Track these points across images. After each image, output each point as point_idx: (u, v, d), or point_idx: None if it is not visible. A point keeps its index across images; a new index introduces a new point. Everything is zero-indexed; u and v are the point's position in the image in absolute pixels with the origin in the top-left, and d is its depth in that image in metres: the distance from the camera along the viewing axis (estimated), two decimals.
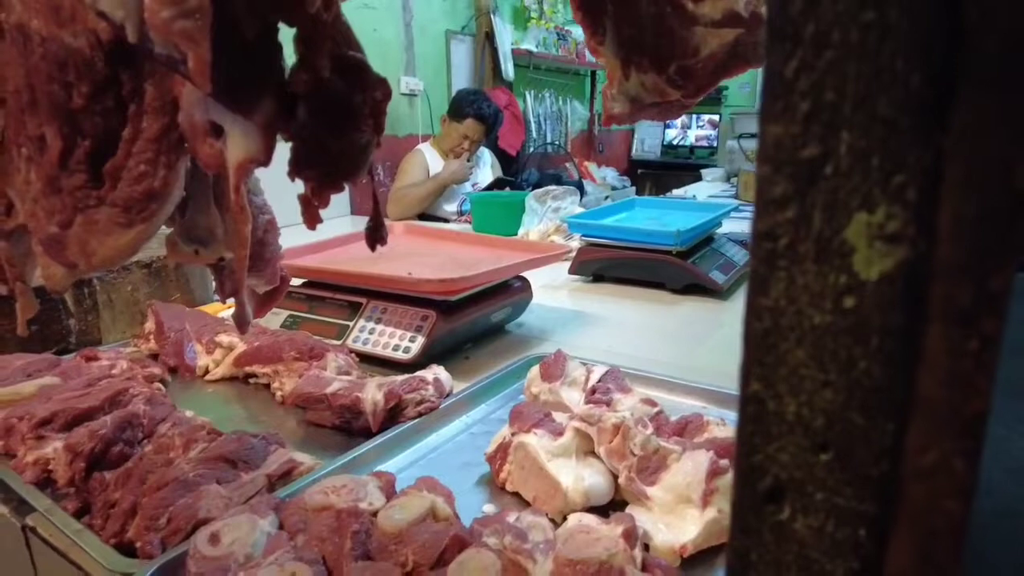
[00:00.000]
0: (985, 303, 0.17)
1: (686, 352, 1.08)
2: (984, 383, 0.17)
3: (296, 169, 0.41)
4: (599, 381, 0.75)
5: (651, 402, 0.71)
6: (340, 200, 2.45)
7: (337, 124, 0.41)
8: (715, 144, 5.05)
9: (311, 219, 0.43)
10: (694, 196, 2.56)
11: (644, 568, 0.49)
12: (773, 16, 0.18)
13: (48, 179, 0.45)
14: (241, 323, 0.60)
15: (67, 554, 0.59)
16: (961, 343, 0.17)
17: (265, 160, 0.40)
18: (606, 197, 4.19)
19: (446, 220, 2.50)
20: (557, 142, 3.91)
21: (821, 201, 0.18)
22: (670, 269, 1.36)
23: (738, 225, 1.81)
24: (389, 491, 0.58)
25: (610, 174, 4.64)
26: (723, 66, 0.66)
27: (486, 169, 2.86)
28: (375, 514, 0.54)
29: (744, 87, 5.02)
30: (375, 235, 0.49)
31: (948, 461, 0.18)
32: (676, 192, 2.82)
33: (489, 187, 2.58)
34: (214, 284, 0.62)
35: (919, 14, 0.16)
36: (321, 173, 0.41)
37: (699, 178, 3.41)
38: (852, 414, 0.19)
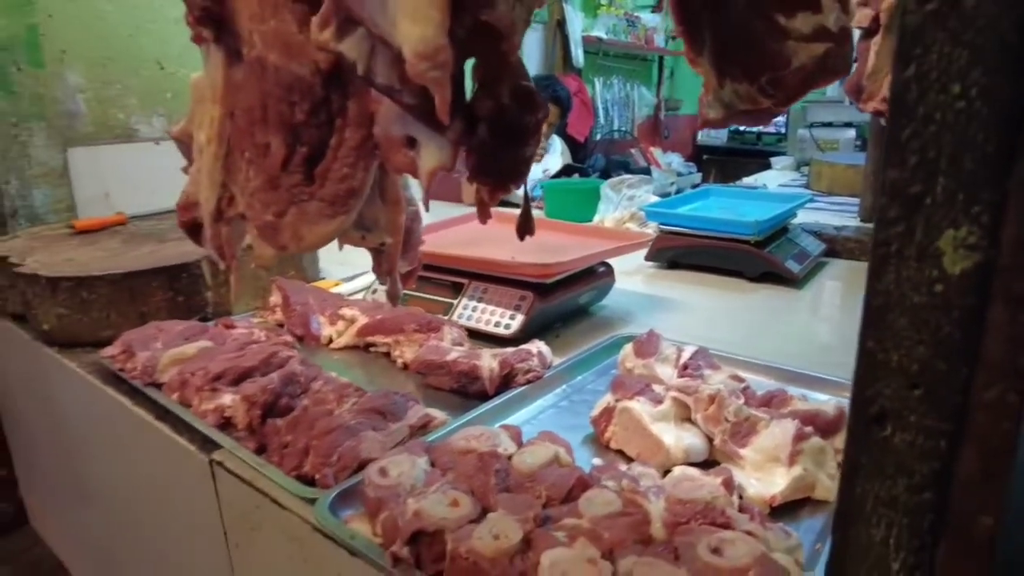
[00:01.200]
0: None
1: (762, 337, 1.16)
2: None
3: (474, 176, 0.52)
4: (690, 358, 0.84)
5: (738, 378, 0.80)
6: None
7: (510, 140, 0.51)
8: (783, 131, 4.98)
9: (484, 216, 0.53)
10: (764, 185, 2.58)
11: (741, 511, 0.58)
12: (895, 99, 0.27)
13: (268, 178, 0.57)
14: (393, 297, 0.71)
15: (253, 483, 0.72)
16: (1014, 318, 0.26)
17: (451, 168, 0.51)
18: (671, 183, 4.21)
19: (516, 205, 2.60)
20: (624, 128, 3.95)
21: (922, 222, 0.27)
22: (747, 258, 1.42)
23: (811, 216, 1.84)
24: (518, 440, 0.69)
25: (675, 160, 4.64)
26: (812, 77, 0.72)
27: (555, 156, 2.95)
28: (510, 458, 0.65)
29: None
30: (525, 227, 0.59)
31: (1004, 396, 0.27)
32: (746, 180, 2.84)
33: (557, 174, 2.66)
34: (372, 263, 0.73)
35: (996, 105, 0.25)
36: (494, 180, 0.52)
37: (767, 166, 3.40)
38: (937, 363, 0.28)
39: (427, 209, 0.55)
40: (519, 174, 0.52)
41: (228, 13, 0.56)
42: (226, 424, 0.80)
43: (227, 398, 0.81)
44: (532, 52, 3.62)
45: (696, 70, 0.70)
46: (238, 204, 0.61)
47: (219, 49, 0.58)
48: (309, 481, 0.69)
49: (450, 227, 1.43)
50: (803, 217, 1.74)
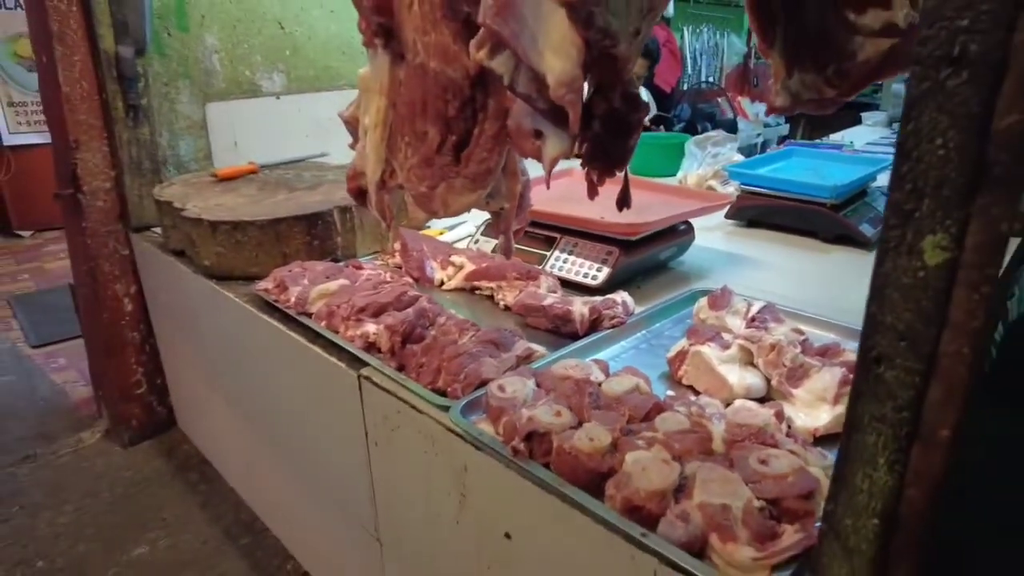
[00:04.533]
0: (984, 280, 0.39)
1: (828, 296, 1.25)
2: (981, 314, 0.39)
3: (588, 162, 0.66)
4: (758, 313, 0.97)
5: (799, 331, 0.93)
6: None
7: (618, 134, 0.65)
8: (879, 82, 4.76)
9: (593, 194, 0.68)
10: (851, 143, 2.57)
11: (788, 436, 0.72)
12: (899, 145, 0.40)
13: (424, 158, 0.73)
14: (507, 251, 0.87)
15: (396, 393, 0.91)
16: (970, 297, 0.39)
17: (570, 155, 0.65)
18: (758, 134, 4.16)
19: None
20: (712, 78, 3.92)
21: (912, 229, 0.40)
22: (823, 220, 1.50)
23: None
24: (606, 372, 0.85)
25: (763, 110, 4.55)
26: (877, 69, 0.80)
27: None
28: (599, 385, 0.81)
29: None
30: (624, 201, 0.73)
31: (961, 350, 0.40)
32: (833, 137, 2.81)
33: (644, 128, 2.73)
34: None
35: (964, 152, 0.37)
36: (603, 165, 0.66)
37: (858, 120, 3.32)
38: (917, 324, 0.41)
39: (548, 187, 0.70)
40: (624, 160, 0.66)
41: (396, 26, 0.71)
42: (369, 347, 1.00)
43: (370, 327, 1.01)
44: None
45: (767, 60, 0.79)
46: (398, 177, 0.78)
47: (386, 53, 0.73)
48: (441, 393, 0.87)
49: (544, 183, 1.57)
50: (885, 179, 1.77)
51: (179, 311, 1.74)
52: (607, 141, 0.65)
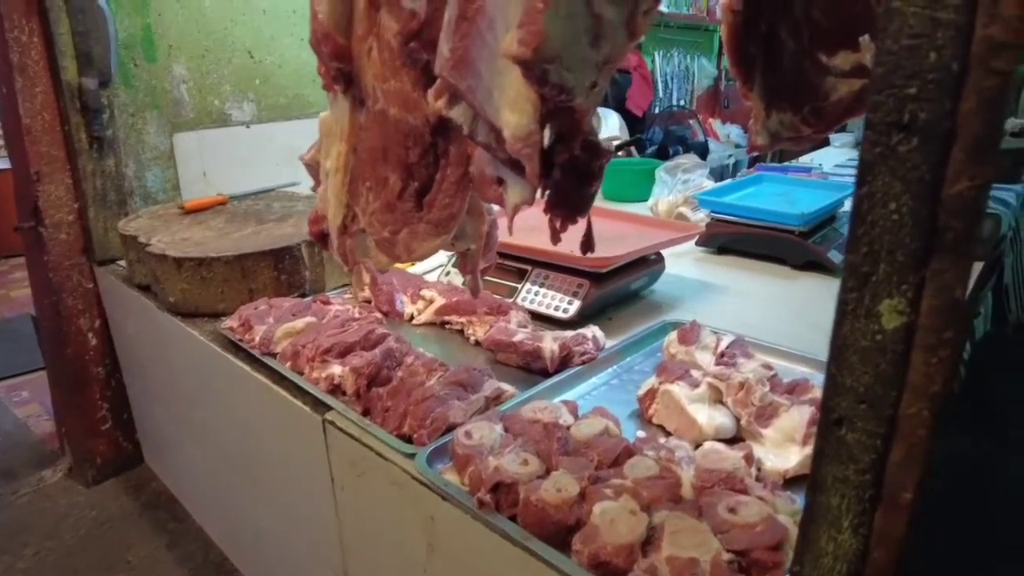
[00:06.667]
0: (942, 346, 0.38)
1: (797, 325, 1.26)
2: (939, 378, 0.39)
3: (550, 208, 0.65)
4: (727, 347, 0.97)
5: (768, 366, 0.92)
6: None
7: (578, 181, 0.64)
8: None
9: (556, 240, 0.67)
10: (820, 165, 2.61)
11: (757, 480, 0.72)
12: (854, 208, 0.39)
13: (386, 204, 0.72)
14: (475, 291, 0.86)
15: (360, 439, 0.89)
16: (927, 361, 0.39)
17: (531, 203, 0.65)
18: (729, 155, 4.22)
19: None
20: (683, 101, 3.97)
21: (869, 292, 0.40)
22: (792, 247, 1.51)
23: None
24: (575, 413, 0.84)
25: (735, 131, 4.62)
26: (849, 108, 0.82)
27: (612, 132, 3.02)
28: (568, 428, 0.80)
29: None
30: (587, 246, 0.73)
31: (921, 412, 0.40)
32: (802, 159, 2.86)
33: (618, 147, 2.73)
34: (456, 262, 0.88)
35: (917, 216, 0.37)
36: (565, 212, 0.65)
37: (827, 141, 3.38)
38: (877, 387, 0.40)
39: (511, 233, 0.69)
40: (585, 207, 0.66)
41: (356, 72, 0.70)
42: (335, 390, 0.98)
43: (336, 368, 0.99)
44: None
45: (747, 102, 0.80)
46: (360, 221, 0.76)
47: (346, 98, 0.72)
48: (407, 439, 0.85)
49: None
50: None
51: (145, 346, 1.70)
52: (568, 188, 0.65)
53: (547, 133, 0.64)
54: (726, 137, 4.52)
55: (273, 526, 1.33)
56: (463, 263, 0.86)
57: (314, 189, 0.82)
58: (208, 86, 2.00)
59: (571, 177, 0.64)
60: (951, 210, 0.36)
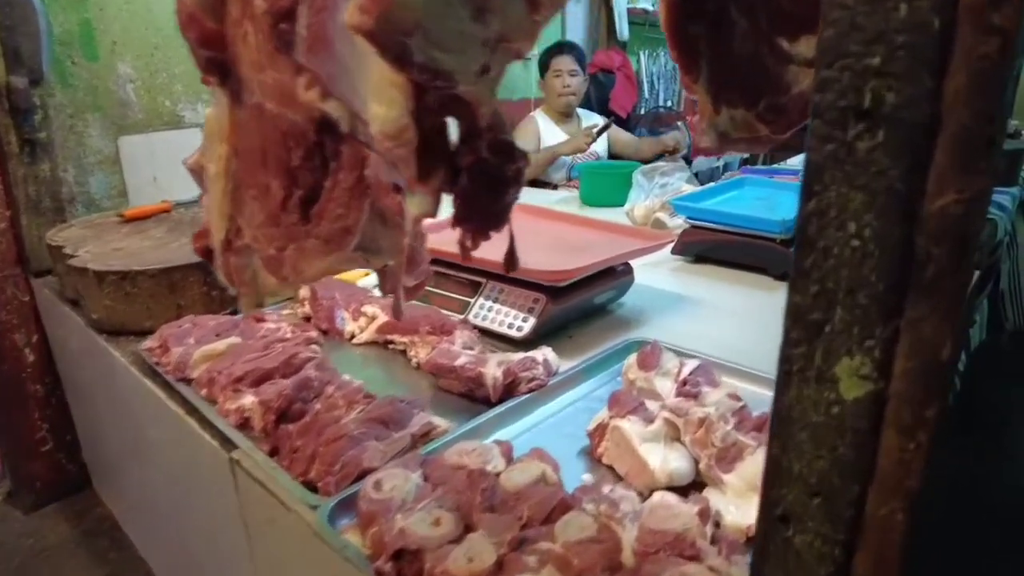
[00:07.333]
0: (921, 423, 0.27)
1: (776, 341, 1.15)
2: (919, 470, 0.27)
3: (457, 221, 0.54)
4: (690, 374, 0.85)
5: (736, 397, 0.81)
6: None
7: (490, 189, 0.53)
8: None
9: (466, 258, 0.55)
10: None
11: (713, 541, 0.60)
12: (799, 228, 0.28)
13: (270, 216, 0.61)
14: (397, 313, 0.75)
15: (266, 484, 0.78)
16: (903, 445, 0.27)
17: (434, 215, 0.53)
18: (718, 160, 4.10)
19: (555, 186, 2.60)
20: (670, 102, 3.86)
21: (822, 347, 0.28)
22: (773, 255, 1.40)
23: None
24: (508, 457, 0.73)
25: None
26: None
27: (600, 140, 2.90)
28: (498, 475, 0.69)
29: None
30: (510, 264, 0.61)
31: (894, 514, 0.28)
32: (791, 161, 2.75)
33: (598, 132, 2.60)
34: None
35: (887, 249, 0.26)
36: (476, 225, 0.54)
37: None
38: (834, 477, 0.29)
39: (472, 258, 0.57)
40: (500, 220, 0.54)
41: (231, 60, 0.59)
42: (245, 424, 0.86)
43: (248, 399, 0.87)
44: (576, 25, 3.55)
45: (691, 95, 0.69)
46: (245, 236, 0.65)
47: (224, 92, 0.61)
48: (313, 487, 0.73)
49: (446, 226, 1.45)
50: None
51: (81, 363, 1.58)
52: (479, 197, 0.53)
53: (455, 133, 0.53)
54: None
55: (208, 563, 1.21)
56: (383, 281, 0.74)
57: (201, 199, 0.70)
58: (158, 86, 1.89)
59: (481, 184, 0.53)
60: (933, 233, 0.25)
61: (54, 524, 1.80)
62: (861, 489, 0.29)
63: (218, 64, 0.59)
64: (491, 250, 1.15)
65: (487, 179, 0.52)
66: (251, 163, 0.60)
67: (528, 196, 2.22)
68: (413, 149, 0.42)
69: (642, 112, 3.68)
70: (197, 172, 0.68)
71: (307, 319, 1.23)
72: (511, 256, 0.61)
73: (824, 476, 0.29)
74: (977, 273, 1.58)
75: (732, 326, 1.21)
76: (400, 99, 0.40)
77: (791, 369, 0.29)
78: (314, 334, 1.12)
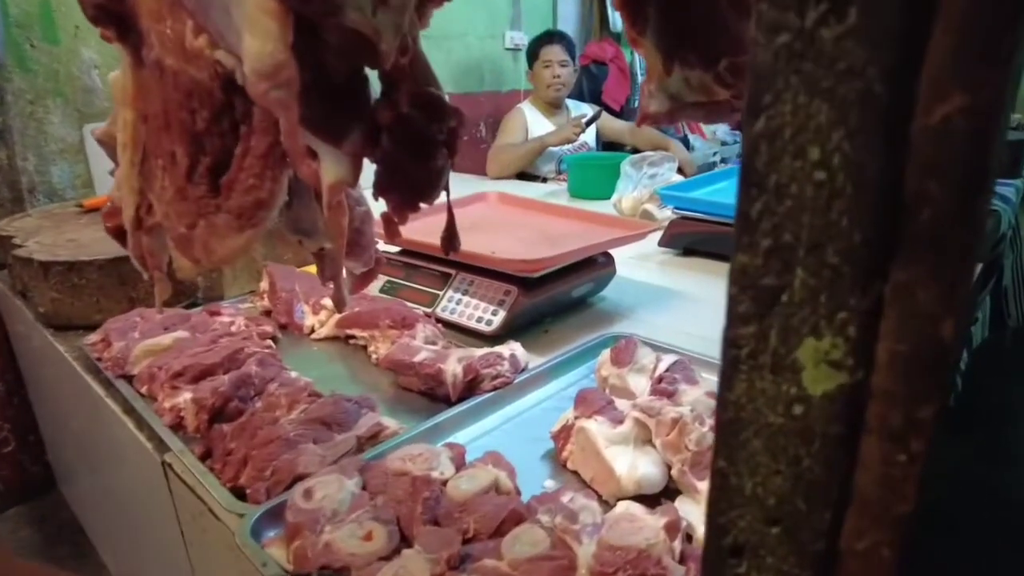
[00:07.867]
0: (913, 427, 0.20)
1: None
2: (911, 490, 0.20)
3: (379, 190, 0.47)
4: (667, 371, 0.78)
5: (715, 395, 0.74)
6: None
7: (416, 152, 0.46)
8: None
9: (391, 235, 0.48)
10: None
11: (681, 559, 0.53)
12: (744, 160, 0.21)
13: (178, 188, 0.53)
14: (339, 304, 0.67)
15: (194, 490, 0.70)
16: (892, 456, 0.20)
17: (353, 182, 0.46)
18: (715, 153, 4.03)
19: (544, 179, 2.52)
20: None
21: (778, 324, 0.21)
22: None
23: None
24: (459, 462, 0.65)
25: (720, 128, 4.43)
26: None
27: (589, 130, 2.83)
28: (445, 483, 0.61)
29: None
30: (449, 243, 0.54)
31: (878, 549, 0.21)
32: None
33: (587, 122, 2.52)
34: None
35: (864, 184, 0.18)
36: (401, 195, 0.47)
37: None
38: (797, 500, 0.22)
39: (400, 235, 0.49)
40: (430, 189, 0.47)
41: (128, 10, 0.51)
42: (180, 424, 0.79)
43: (184, 397, 0.80)
44: (569, 16, 3.47)
45: (639, 52, 0.60)
46: (156, 212, 0.57)
47: (126, 49, 0.53)
48: (242, 494, 0.66)
49: (458, 208, 1.38)
50: None
51: (36, 360, 1.51)
52: (403, 161, 0.46)
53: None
54: (711, 134, 4.33)
55: (154, 571, 1.14)
56: (320, 268, 0.67)
57: (112, 173, 0.63)
58: None
59: (405, 146, 0.46)
60: (928, 160, 0.18)
61: (15, 529, 1.73)
62: (834, 515, 0.21)
63: (114, 15, 0.52)
64: (464, 238, 1.07)
65: (411, 140, 0.45)
66: (157, 129, 0.53)
67: (516, 189, 2.15)
68: (295, 91, 0.34)
69: (636, 105, 3.61)
70: (108, 144, 0.61)
71: (267, 313, 1.16)
72: (450, 235, 0.53)
73: (785, 497, 0.22)
74: (979, 267, 1.50)
75: (718, 320, 1.13)
76: (275, 28, 0.32)
77: (739, 355, 0.22)
78: (269, 328, 1.05)
